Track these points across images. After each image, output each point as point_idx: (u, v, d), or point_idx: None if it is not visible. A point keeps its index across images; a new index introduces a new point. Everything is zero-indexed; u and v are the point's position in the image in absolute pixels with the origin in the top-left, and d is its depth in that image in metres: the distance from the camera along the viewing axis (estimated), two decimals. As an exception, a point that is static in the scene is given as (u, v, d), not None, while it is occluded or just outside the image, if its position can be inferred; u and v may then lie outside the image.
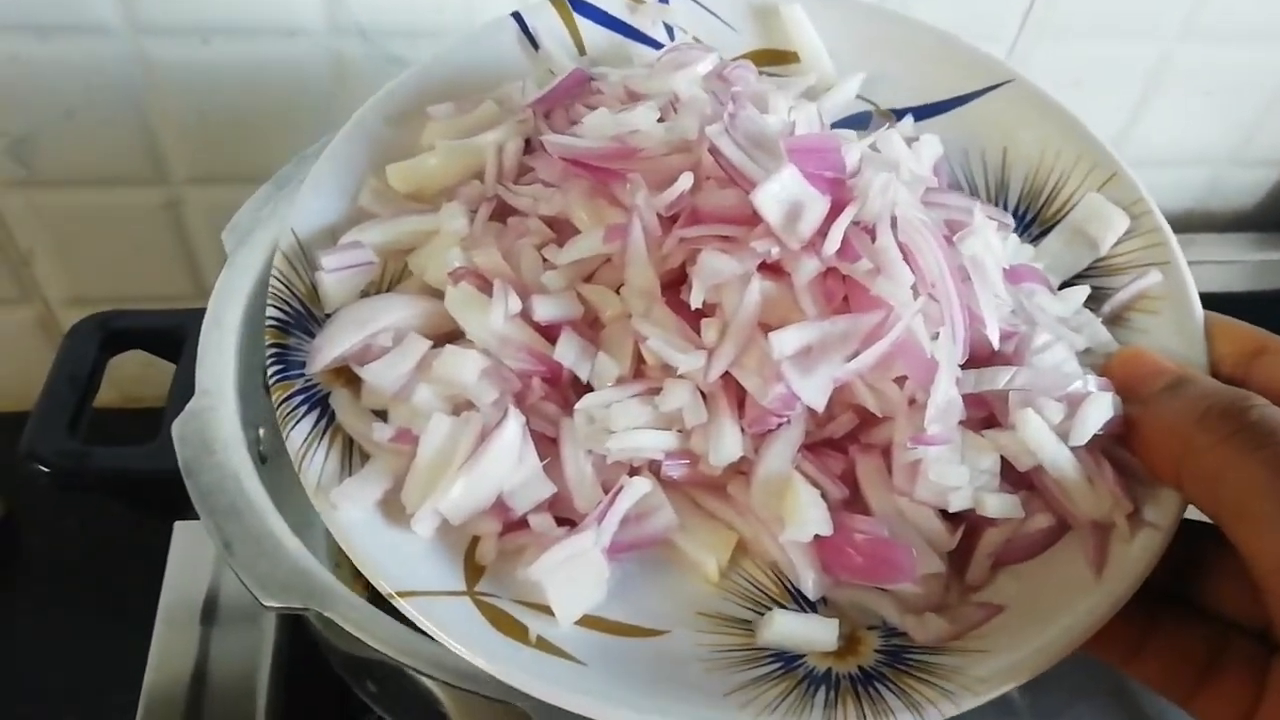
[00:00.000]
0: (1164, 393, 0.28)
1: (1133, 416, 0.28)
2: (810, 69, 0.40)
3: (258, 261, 0.43)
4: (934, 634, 0.27)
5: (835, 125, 0.39)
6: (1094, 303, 0.34)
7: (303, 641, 0.54)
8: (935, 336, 0.27)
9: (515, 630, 0.27)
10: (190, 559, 0.56)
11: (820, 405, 0.27)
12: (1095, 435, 0.28)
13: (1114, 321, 0.33)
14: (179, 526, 0.58)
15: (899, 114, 0.39)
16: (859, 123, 0.39)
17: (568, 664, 0.26)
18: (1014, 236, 0.34)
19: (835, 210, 0.28)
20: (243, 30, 0.55)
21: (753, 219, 0.28)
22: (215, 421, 0.38)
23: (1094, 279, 0.35)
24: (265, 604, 0.33)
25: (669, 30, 0.40)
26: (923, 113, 0.39)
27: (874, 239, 0.28)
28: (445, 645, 0.26)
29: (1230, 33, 0.64)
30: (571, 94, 0.35)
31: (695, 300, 0.28)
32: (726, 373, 0.28)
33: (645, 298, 0.29)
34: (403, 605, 0.27)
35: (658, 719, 0.25)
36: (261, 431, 0.44)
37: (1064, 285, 0.35)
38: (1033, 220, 0.37)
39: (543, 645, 0.27)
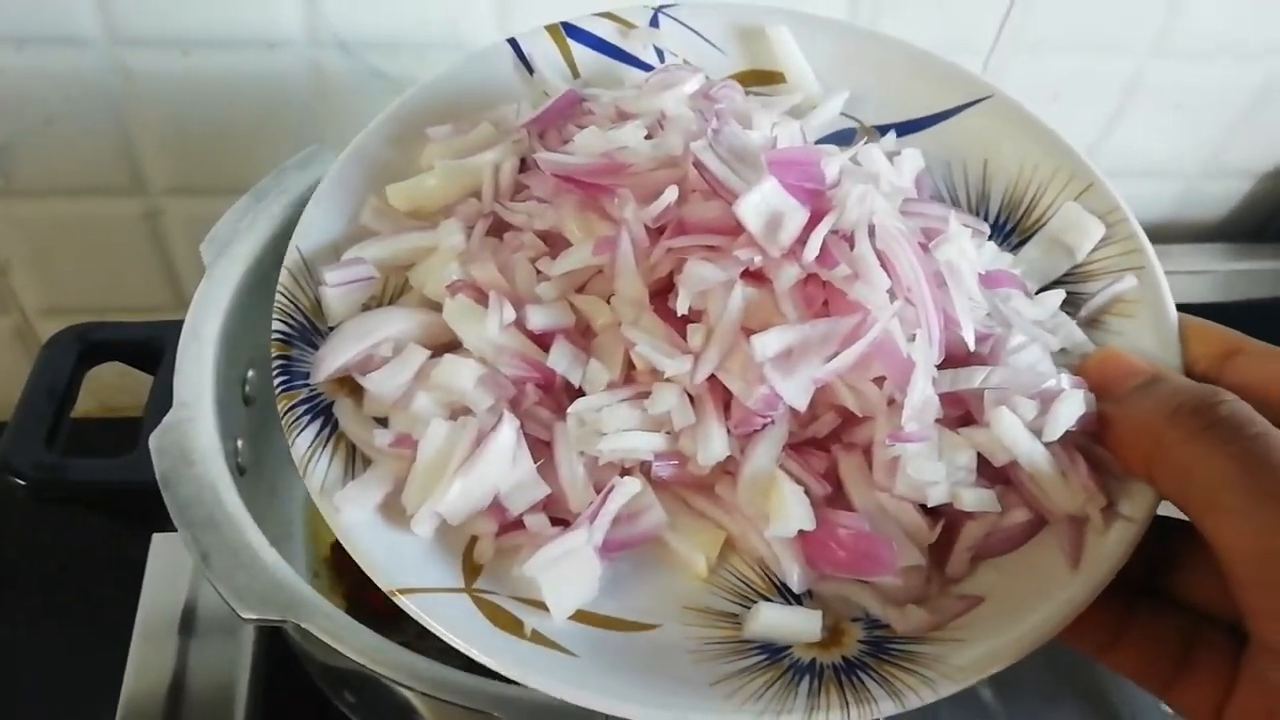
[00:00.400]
0: (1136, 391, 0.29)
1: (1106, 414, 0.29)
2: (796, 88, 0.41)
3: (236, 273, 0.44)
4: (915, 624, 0.28)
5: (820, 141, 0.40)
6: (1072, 307, 0.35)
7: (281, 653, 0.53)
8: (912, 338, 0.28)
9: (511, 625, 0.28)
10: (168, 571, 0.56)
11: (802, 405, 0.29)
12: (1069, 432, 0.29)
13: (1091, 325, 0.34)
14: (157, 538, 0.58)
15: (882, 130, 0.41)
16: (843, 139, 0.41)
17: (561, 656, 0.27)
18: (991, 244, 0.36)
19: (815, 219, 0.29)
20: (223, 42, 0.55)
21: (736, 229, 0.30)
22: (193, 433, 0.38)
23: (1072, 284, 0.36)
24: (243, 616, 0.34)
25: (659, 53, 0.42)
26: (905, 128, 0.41)
27: (852, 246, 0.29)
28: (445, 640, 0.27)
29: (1201, 50, 0.66)
30: (564, 114, 0.37)
31: (682, 307, 0.29)
32: (713, 376, 0.29)
33: (634, 306, 0.31)
34: (403, 602, 0.28)
35: (645, 708, 0.26)
36: (239, 443, 0.44)
37: (1043, 290, 0.36)
38: (1013, 229, 0.38)
39: (537, 639, 0.28)
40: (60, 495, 0.42)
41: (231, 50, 0.55)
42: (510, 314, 0.31)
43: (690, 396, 0.30)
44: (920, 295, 0.29)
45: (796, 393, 0.28)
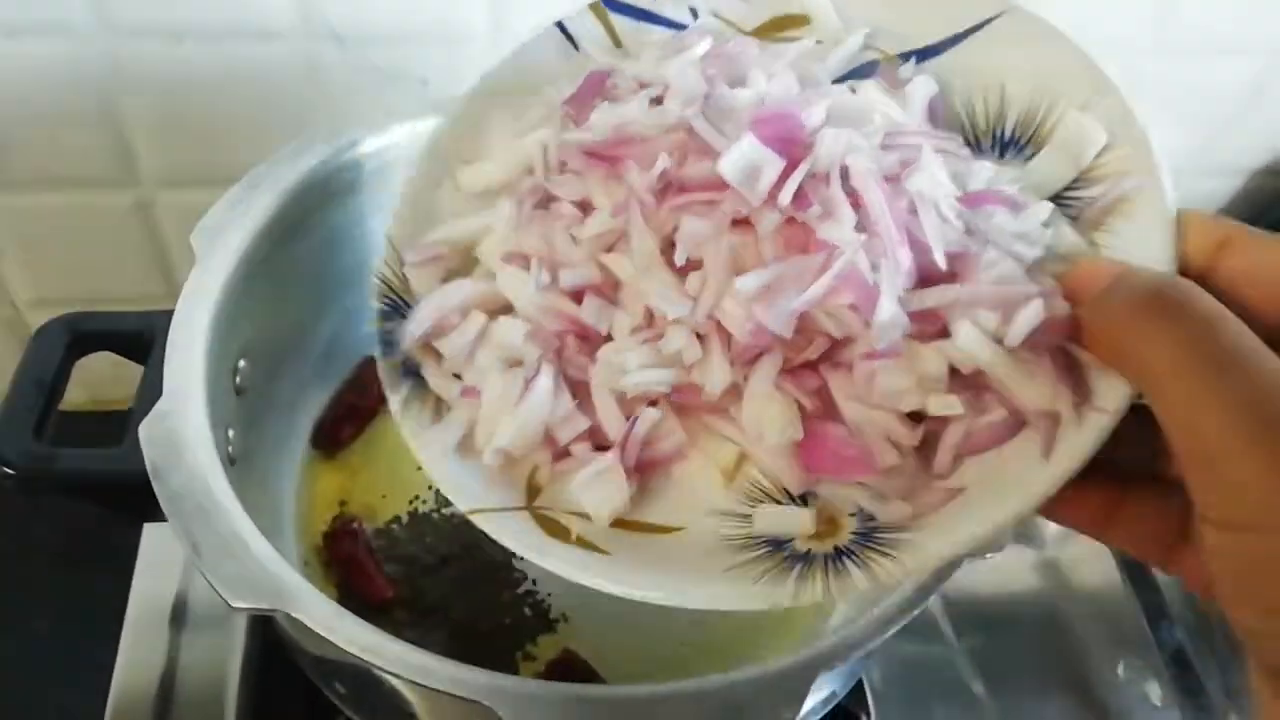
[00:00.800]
0: (1104, 291, 0.31)
1: (1079, 316, 0.32)
2: (820, 28, 0.44)
3: (228, 264, 0.44)
4: (897, 516, 0.32)
5: (845, 76, 0.43)
6: (1077, 211, 0.37)
7: (272, 643, 0.53)
8: (877, 267, 0.32)
9: (561, 533, 0.35)
10: (159, 561, 0.56)
11: (787, 333, 0.33)
12: (1040, 337, 0.32)
13: (1096, 227, 0.36)
14: (148, 528, 0.57)
15: (905, 58, 0.43)
16: (866, 73, 0.43)
17: (599, 555, 0.34)
18: (987, 163, 0.37)
19: (790, 168, 0.33)
20: (216, 33, 0.55)
21: (725, 184, 0.34)
22: (183, 423, 0.39)
23: (1081, 189, 0.37)
24: (233, 605, 0.34)
25: (694, 12, 0.46)
26: (925, 54, 0.42)
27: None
28: (507, 546, 0.34)
29: (1194, 47, 0.64)
30: (594, 91, 0.41)
31: (679, 259, 0.34)
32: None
33: (646, 260, 0.36)
34: (476, 519, 0.35)
35: (658, 591, 0.32)
36: (230, 433, 0.44)
37: (1056, 198, 0.38)
38: (1028, 142, 0.39)
39: (582, 543, 0.34)
40: (49, 486, 0.42)
41: (225, 41, 0.56)
42: (545, 277, 0.36)
43: (700, 335, 0.35)
44: (885, 227, 0.32)
45: (779, 323, 0.32)
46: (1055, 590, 0.66)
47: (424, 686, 0.34)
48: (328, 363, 0.59)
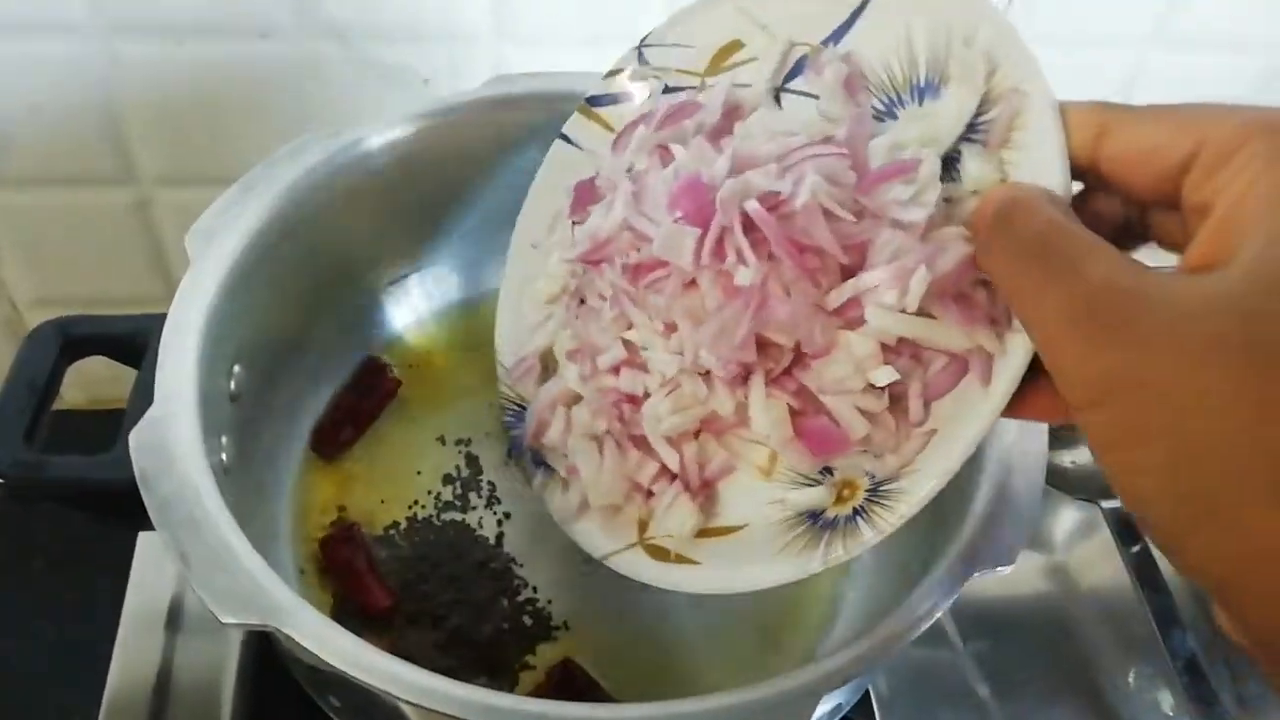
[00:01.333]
0: (985, 227, 0.35)
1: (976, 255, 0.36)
2: (752, 47, 0.49)
3: (223, 266, 0.43)
4: (889, 469, 0.39)
5: (786, 78, 0.48)
6: (986, 135, 0.40)
7: (267, 652, 0.53)
8: (786, 291, 0.38)
9: (663, 555, 0.45)
10: (155, 566, 0.55)
11: (749, 357, 0.40)
12: (943, 288, 0.36)
13: (1003, 145, 0.39)
14: (143, 535, 0.57)
15: (825, 44, 0.47)
16: (799, 69, 0.48)
17: (690, 566, 0.43)
18: (882, 139, 0.41)
19: (704, 231, 0.40)
20: (215, 30, 0.55)
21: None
22: (174, 431, 0.37)
23: (986, 113, 0.40)
24: (223, 620, 0.33)
25: (657, 76, 0.53)
26: (839, 34, 0.46)
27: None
28: (627, 576, 0.45)
29: (1200, 42, 0.61)
30: (587, 199, 0.51)
31: (656, 327, 0.43)
32: (703, 359, 0.42)
33: (645, 331, 0.44)
34: (608, 563, 0.46)
35: (729, 583, 0.41)
36: (224, 440, 0.42)
37: (971, 128, 0.41)
38: (940, 83, 0.43)
39: (678, 559, 0.44)
40: (39, 494, 0.41)
41: (224, 38, 0.55)
42: (588, 366, 0.47)
43: (704, 375, 0.43)
44: (781, 252, 0.38)
45: (738, 353, 0.40)
46: (1064, 594, 0.64)
47: (413, 704, 0.33)
48: (325, 367, 0.58)
